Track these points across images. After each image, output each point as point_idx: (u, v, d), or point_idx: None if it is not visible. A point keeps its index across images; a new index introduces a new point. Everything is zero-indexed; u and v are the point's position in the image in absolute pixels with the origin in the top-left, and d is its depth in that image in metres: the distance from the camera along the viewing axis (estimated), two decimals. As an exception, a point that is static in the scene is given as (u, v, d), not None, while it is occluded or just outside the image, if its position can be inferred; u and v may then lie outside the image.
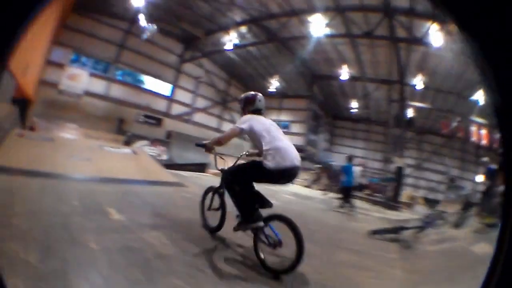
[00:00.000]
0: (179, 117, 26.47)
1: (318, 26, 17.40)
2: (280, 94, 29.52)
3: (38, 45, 13.28)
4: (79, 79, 20.38)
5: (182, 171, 14.27)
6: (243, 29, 21.15)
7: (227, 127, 29.39)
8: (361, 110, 28.37)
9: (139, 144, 19.63)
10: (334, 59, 22.24)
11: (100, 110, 21.05)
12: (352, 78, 22.63)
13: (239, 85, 31.20)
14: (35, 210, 3.68)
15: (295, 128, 30.47)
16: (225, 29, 21.56)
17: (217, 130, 28.94)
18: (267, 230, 3.06)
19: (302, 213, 8.25)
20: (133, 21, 20.91)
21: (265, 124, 3.38)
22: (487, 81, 0.85)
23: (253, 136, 3.34)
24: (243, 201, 3.24)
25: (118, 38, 22.38)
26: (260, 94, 3.74)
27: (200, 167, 16.64)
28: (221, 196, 3.86)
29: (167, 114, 25.62)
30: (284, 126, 29.91)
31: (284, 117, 31.13)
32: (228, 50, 22.88)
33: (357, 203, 10.75)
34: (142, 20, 19.96)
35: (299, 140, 28.04)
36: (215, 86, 29.34)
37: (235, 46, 22.16)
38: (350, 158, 10.59)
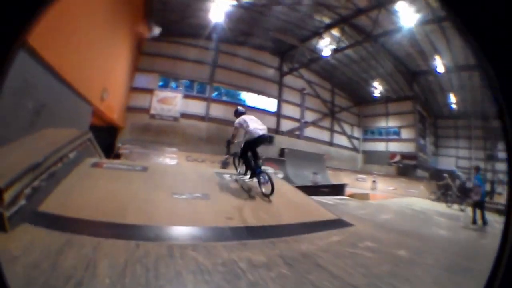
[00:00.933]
0: (289, 133, 23.82)
1: (406, 14, 16.71)
2: (385, 99, 26.66)
3: (116, 72, 12.90)
4: (172, 102, 18.67)
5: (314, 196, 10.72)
6: (336, 32, 19.74)
7: (339, 139, 27.58)
8: (459, 105, 25.68)
9: None
10: (427, 51, 20.31)
11: (202, 131, 18.94)
12: (448, 69, 20.82)
13: (342, 93, 28.48)
14: None
15: (404, 133, 26.64)
16: (318, 33, 20.05)
17: (329, 143, 26.30)
18: (261, 176, 5.41)
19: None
20: (217, 38, 19.36)
21: (246, 119, 5.70)
22: (489, 83, 0.85)
23: (243, 127, 5.65)
24: (247, 162, 5.70)
25: (207, 56, 20.50)
26: (240, 107, 6.31)
27: (336, 190, 12.87)
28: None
29: (276, 131, 22.93)
30: (395, 133, 27.40)
31: (392, 123, 27.61)
32: (325, 56, 21.11)
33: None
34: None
35: (410, 147, 25.71)
36: (320, 97, 26.67)
37: (334, 50, 20.19)
38: (478, 169, 10.08)
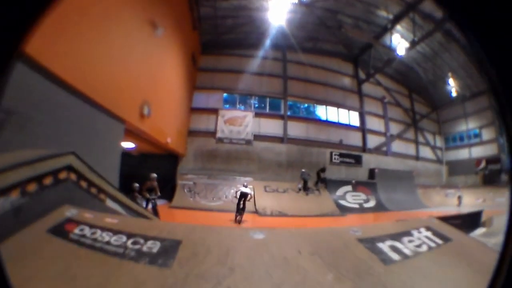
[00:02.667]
0: (376, 150, 21.04)
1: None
2: (461, 97, 23.44)
3: (163, 84, 10.95)
4: (242, 122, 16.38)
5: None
6: (406, 24, 17.25)
7: (424, 152, 24.20)
8: None
9: (342, 192, 14.59)
10: None
11: (280, 154, 16.48)
12: None
13: (419, 98, 25.45)
14: None
15: (485, 134, 23.14)
16: (389, 28, 17.59)
17: (415, 158, 22.90)
18: None
19: None
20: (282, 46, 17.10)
21: None
22: (491, 83, 0.84)
23: None
24: None
25: (274, 68, 18.13)
26: None
27: (472, 220, 9.47)
28: None
29: (363, 149, 20.21)
30: (475, 135, 24.13)
31: (472, 124, 24.19)
32: (400, 56, 18.33)
33: None
34: None
35: (492, 149, 22.36)
36: (400, 105, 23.75)
37: (410, 44, 17.41)
38: None
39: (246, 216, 11.96)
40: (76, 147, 5.25)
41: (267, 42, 16.79)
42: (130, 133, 9.01)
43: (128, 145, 11.31)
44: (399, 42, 18.25)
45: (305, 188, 14.01)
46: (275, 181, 13.95)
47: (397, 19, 16.98)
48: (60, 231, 2.59)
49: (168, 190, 12.96)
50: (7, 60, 0.82)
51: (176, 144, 13.26)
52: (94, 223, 2.85)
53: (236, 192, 11.25)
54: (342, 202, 14.52)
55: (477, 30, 0.79)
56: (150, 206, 8.56)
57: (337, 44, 18.99)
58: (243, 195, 9.97)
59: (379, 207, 15.38)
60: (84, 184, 4.09)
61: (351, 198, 15.19)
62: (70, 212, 2.94)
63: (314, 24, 17.02)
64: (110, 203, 4.81)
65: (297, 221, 11.32)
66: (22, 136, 4.04)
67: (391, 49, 18.54)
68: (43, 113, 4.54)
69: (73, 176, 3.81)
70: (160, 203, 12.17)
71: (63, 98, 5.06)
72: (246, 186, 10.93)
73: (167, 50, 11.04)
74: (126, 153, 13.93)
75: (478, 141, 23.90)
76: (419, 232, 4.65)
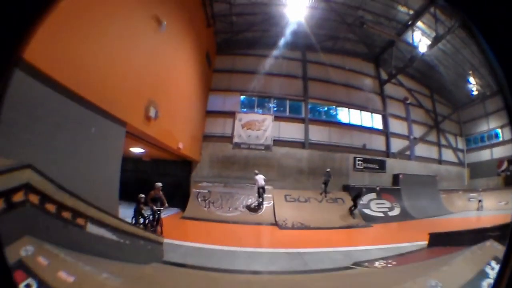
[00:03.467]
0: (400, 154, 20.37)
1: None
2: (481, 96, 22.92)
3: (173, 83, 9.95)
4: (261, 126, 15.56)
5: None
6: (428, 20, 16.74)
7: (447, 155, 23.66)
8: None
9: (366, 199, 13.86)
10: None
11: (301, 161, 15.70)
12: None
13: (441, 98, 24.88)
14: None
15: (506, 133, 22.50)
16: (410, 25, 17.09)
17: (438, 161, 22.24)
18: None
19: None
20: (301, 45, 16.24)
21: None
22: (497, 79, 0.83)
23: None
24: None
25: (292, 69, 17.29)
26: None
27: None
28: None
29: (387, 154, 19.52)
30: (496, 135, 23.69)
31: (493, 123, 23.65)
32: (422, 53, 17.79)
33: None
34: None
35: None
36: (423, 106, 23.13)
37: (432, 41, 16.90)
38: None
39: (264, 229, 11.34)
40: (64, 153, 4.49)
41: (285, 41, 15.90)
42: (136, 138, 8.22)
43: (137, 150, 10.65)
44: (420, 40, 17.69)
45: (325, 190, 13.37)
46: (296, 190, 13.29)
47: (418, 15, 16.35)
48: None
49: (180, 198, 12.40)
50: (7, 66, 0.81)
51: (189, 150, 12.50)
52: (43, 277, 2.14)
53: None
54: (367, 211, 13.93)
55: (488, 31, 0.79)
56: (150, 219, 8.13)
57: (357, 43, 18.23)
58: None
59: (404, 215, 14.82)
60: (52, 207, 3.20)
61: (375, 206, 14.55)
62: (26, 250, 2.22)
63: (334, 21, 16.21)
64: (92, 229, 4.00)
65: (320, 234, 10.69)
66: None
67: (413, 47, 17.83)
68: (24, 113, 3.63)
69: (33, 198, 2.92)
70: (172, 212, 11.59)
71: (47, 96, 4.22)
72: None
73: (177, 48, 10.12)
74: (136, 159, 13.45)
75: (500, 140, 23.30)
76: (492, 269, 4.06)
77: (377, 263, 6.10)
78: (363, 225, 12.48)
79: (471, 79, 22.02)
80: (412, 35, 17.55)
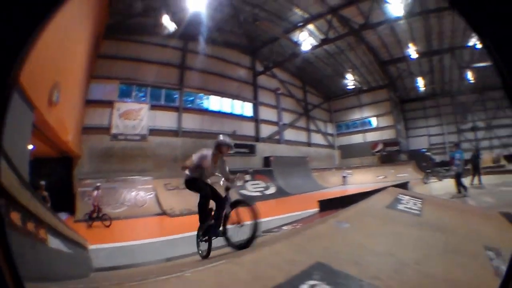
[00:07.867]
0: (270, 139, 22.20)
1: (396, 5, 16.61)
2: (357, 90, 26.97)
3: (73, 64, 8.59)
4: (138, 116, 15.24)
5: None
6: (320, 24, 18.63)
7: (316, 138, 27.31)
8: (428, 87, 27.44)
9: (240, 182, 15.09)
10: (403, 39, 20.59)
11: (176, 149, 15.76)
12: (421, 54, 21.61)
13: (313, 89, 28.18)
14: None
15: (381, 122, 27.80)
16: (300, 26, 18.86)
17: (308, 144, 25.80)
18: None
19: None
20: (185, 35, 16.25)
21: None
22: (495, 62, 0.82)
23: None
24: None
25: (173, 58, 17.41)
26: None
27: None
28: None
29: (257, 138, 21.02)
30: (369, 123, 28.81)
31: (367, 113, 28.62)
32: (305, 51, 20.02)
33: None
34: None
35: (389, 134, 26.98)
36: (294, 96, 25.79)
37: (320, 41, 18.95)
38: (457, 145, 11.01)
39: (151, 220, 11.42)
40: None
41: (172, 30, 15.24)
42: (36, 127, 6.35)
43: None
44: (305, 39, 19.65)
45: None
46: (174, 178, 13.66)
47: (313, 19, 18.07)
48: None
49: (66, 200, 11.24)
50: (5, 92, 0.76)
51: (74, 143, 11.19)
52: None
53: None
54: (243, 191, 15.01)
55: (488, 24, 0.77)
56: None
57: (240, 36, 19.17)
58: None
59: (281, 193, 16.66)
60: (16, 216, 2.31)
61: (251, 187, 16.11)
62: None
63: (227, 15, 16.60)
64: (53, 242, 3.21)
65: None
66: None
67: (297, 45, 19.83)
68: None
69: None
70: (63, 217, 10.34)
71: None
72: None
73: (81, 21, 8.56)
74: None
75: (373, 127, 28.33)
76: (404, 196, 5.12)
77: (285, 227, 6.48)
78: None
79: (349, 76, 25.50)
80: (299, 34, 19.31)
